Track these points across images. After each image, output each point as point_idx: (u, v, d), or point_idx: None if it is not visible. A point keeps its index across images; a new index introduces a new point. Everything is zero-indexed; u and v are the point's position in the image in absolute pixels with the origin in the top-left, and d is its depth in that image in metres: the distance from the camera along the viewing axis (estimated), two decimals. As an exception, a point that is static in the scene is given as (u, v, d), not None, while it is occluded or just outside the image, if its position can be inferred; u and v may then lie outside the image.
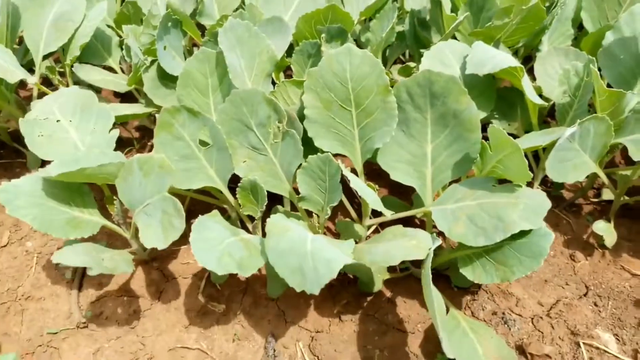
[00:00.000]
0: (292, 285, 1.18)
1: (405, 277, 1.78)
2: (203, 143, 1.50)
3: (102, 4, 2.08)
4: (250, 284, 1.76)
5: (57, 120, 1.58)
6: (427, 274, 1.26)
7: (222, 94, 1.59)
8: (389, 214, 1.42)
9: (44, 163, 2.28)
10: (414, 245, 1.32)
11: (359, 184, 1.35)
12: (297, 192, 1.56)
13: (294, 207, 1.76)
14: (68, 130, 1.58)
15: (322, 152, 1.51)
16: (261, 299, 1.72)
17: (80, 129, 1.59)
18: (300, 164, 1.49)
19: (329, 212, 1.48)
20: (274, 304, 1.70)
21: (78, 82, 2.14)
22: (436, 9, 2.39)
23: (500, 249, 1.41)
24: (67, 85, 2.15)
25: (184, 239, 1.65)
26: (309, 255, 1.19)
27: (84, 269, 1.81)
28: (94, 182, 1.53)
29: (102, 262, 1.35)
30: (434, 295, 1.23)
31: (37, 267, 1.85)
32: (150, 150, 2.32)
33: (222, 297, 1.72)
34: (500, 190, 1.46)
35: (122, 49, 2.27)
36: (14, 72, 1.79)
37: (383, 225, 1.93)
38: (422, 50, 2.11)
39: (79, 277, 1.78)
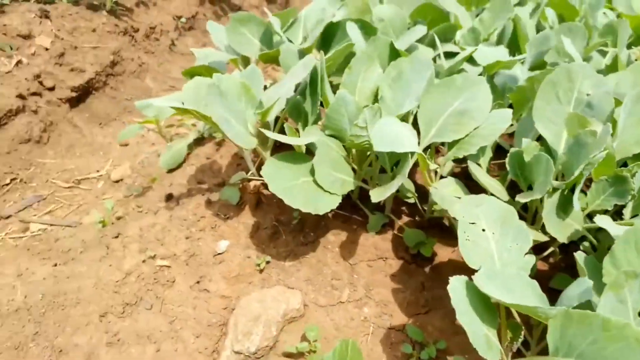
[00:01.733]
0: None
1: None
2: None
3: (508, 111, 2.10)
4: None
5: (483, 230, 1.59)
6: None
7: None
8: None
9: (381, 229, 2.39)
10: None
11: None
12: None
13: None
14: (489, 241, 1.57)
15: None
16: None
17: (499, 243, 1.57)
18: None
19: None
20: None
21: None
22: None
23: None
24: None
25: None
26: None
27: (422, 365, 1.77)
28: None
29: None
30: None
31: (372, 337, 1.88)
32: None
33: None
34: None
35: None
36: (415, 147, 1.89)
37: None
38: None
39: (414, 366, 1.75)
